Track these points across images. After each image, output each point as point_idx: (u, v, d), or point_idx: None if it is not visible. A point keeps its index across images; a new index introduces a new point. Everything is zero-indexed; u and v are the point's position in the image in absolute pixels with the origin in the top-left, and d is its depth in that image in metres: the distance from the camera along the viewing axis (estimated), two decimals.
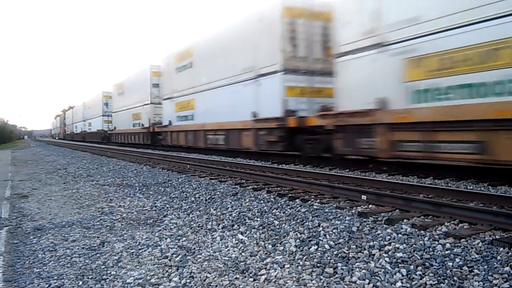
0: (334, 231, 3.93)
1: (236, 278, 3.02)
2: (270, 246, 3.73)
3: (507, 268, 2.84)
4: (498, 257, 3.07)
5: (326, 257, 3.30)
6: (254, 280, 2.98)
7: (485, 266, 2.93)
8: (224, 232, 4.31)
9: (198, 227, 4.57)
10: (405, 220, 4.23)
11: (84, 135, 44.64)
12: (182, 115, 18.50)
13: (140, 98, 24.65)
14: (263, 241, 3.89)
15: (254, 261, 3.37)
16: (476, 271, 2.87)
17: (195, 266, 3.28)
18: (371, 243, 3.49)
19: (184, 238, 4.11)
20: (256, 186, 6.90)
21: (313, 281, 2.89)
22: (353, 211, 4.76)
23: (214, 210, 5.32)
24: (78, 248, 3.90)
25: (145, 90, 23.92)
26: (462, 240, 3.50)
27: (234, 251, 3.65)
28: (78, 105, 52.65)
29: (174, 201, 6.20)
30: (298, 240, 3.78)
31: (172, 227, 4.61)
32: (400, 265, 3.03)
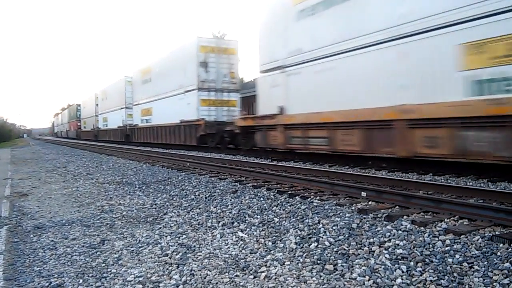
0: (334, 228, 3.93)
1: (236, 275, 3.03)
2: (270, 243, 3.73)
3: (507, 264, 2.85)
4: (498, 253, 3.07)
5: (326, 254, 3.31)
6: (255, 277, 2.98)
7: (485, 262, 2.93)
8: (224, 229, 4.31)
9: (198, 224, 4.57)
10: (405, 217, 4.23)
11: (131, 132, 26.46)
12: None
13: None
14: (263, 239, 3.89)
15: (254, 258, 3.37)
16: (476, 267, 2.88)
17: (195, 264, 3.28)
18: (371, 240, 3.50)
19: (184, 236, 4.11)
20: (256, 184, 6.90)
21: (313, 278, 2.89)
22: (353, 208, 4.76)
23: (214, 207, 5.32)
24: (78, 246, 3.90)
25: None
26: (462, 236, 3.50)
27: (234, 249, 3.65)
28: (109, 84, 33.91)
29: (174, 199, 6.20)
30: (298, 237, 3.78)
31: (172, 225, 4.61)
32: (400, 261, 3.03)
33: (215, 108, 17.85)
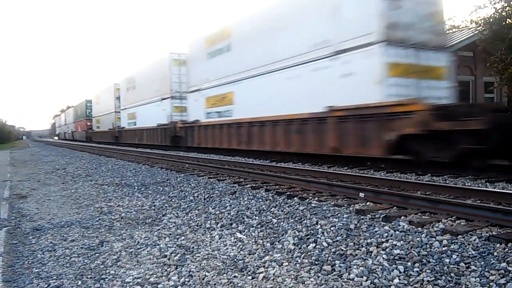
0: (332, 228, 3.94)
1: (234, 276, 3.04)
2: (268, 244, 3.74)
3: (503, 264, 2.86)
4: (495, 253, 3.09)
5: (324, 255, 3.32)
6: (253, 278, 2.99)
7: (482, 262, 2.95)
8: (222, 230, 4.32)
9: (197, 226, 4.58)
10: (402, 217, 4.24)
11: (184, 133, 17.75)
12: None
13: None
14: (262, 240, 3.90)
15: (253, 259, 3.38)
16: (473, 267, 2.89)
17: (193, 265, 3.29)
18: (369, 241, 3.51)
19: (182, 237, 4.12)
20: (254, 185, 6.91)
21: (311, 279, 2.91)
22: (350, 208, 4.77)
23: (213, 209, 5.33)
24: (77, 248, 3.91)
25: None
26: (459, 236, 3.52)
27: (233, 250, 3.66)
28: (139, 69, 25.25)
29: (173, 200, 6.21)
30: (296, 238, 3.79)
31: (170, 226, 4.62)
32: (397, 262, 3.05)
33: (412, 81, 8.61)
